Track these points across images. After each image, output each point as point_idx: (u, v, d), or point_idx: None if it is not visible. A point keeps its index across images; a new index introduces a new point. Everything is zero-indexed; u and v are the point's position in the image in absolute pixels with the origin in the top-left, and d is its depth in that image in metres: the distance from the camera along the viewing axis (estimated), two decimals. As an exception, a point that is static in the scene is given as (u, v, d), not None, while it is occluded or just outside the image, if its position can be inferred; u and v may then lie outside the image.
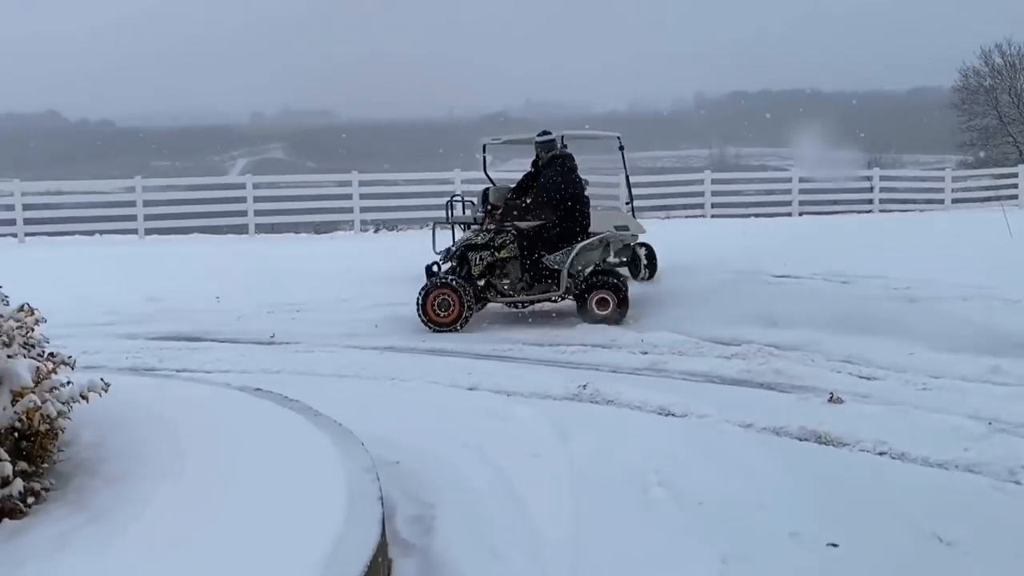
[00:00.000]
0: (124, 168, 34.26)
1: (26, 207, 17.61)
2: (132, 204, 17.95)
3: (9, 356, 3.07)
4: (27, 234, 17.44)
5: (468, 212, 11.08)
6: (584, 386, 5.85)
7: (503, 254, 8.85)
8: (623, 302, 8.47)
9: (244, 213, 18.28)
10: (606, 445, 4.55)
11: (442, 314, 8.36)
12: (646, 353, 7.09)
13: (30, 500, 2.99)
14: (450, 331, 8.32)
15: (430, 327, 8.36)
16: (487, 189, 10.91)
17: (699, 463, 4.27)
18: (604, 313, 8.40)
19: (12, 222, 17.53)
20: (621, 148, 11.75)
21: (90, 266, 12.16)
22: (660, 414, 5.27)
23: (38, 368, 3.19)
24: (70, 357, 3.56)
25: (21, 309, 3.50)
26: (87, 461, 3.48)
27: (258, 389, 4.97)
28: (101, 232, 17.84)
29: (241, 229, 18.46)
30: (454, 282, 8.50)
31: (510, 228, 9.06)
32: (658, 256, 10.92)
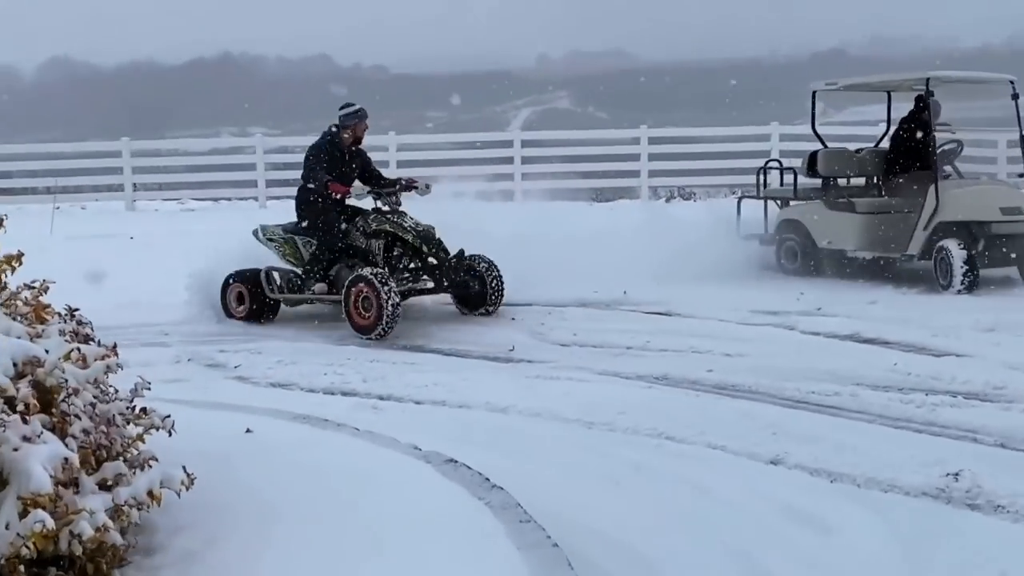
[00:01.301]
0: (397, 120, 30.91)
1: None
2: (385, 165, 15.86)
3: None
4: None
5: (788, 183, 9.42)
6: (957, 475, 3.74)
7: None
8: None
9: (510, 176, 16.79)
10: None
11: None
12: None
13: None
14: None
15: None
16: (815, 153, 9.16)
17: None
18: None
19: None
20: (1015, 95, 8.52)
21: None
22: None
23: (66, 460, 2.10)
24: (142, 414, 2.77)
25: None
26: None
27: (451, 461, 3.89)
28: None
29: (507, 195, 16.50)
30: None
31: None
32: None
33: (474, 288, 7.54)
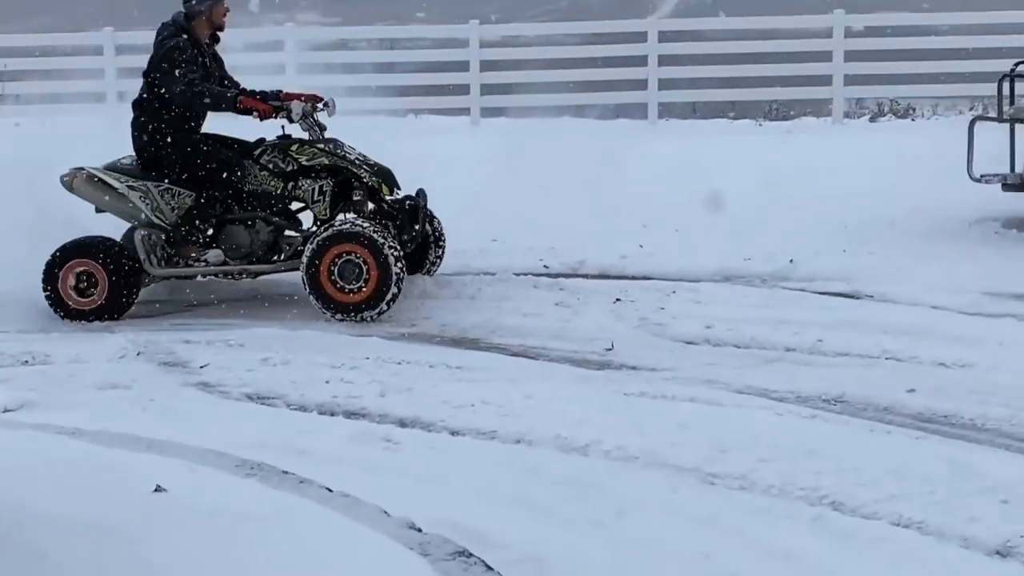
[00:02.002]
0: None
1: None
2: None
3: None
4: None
5: None
6: None
7: None
8: None
9: (640, 81, 13.26)
10: None
11: None
12: None
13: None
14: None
15: None
16: None
17: None
18: None
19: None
20: None
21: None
22: None
23: None
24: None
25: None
26: None
27: (463, 554, 2.71)
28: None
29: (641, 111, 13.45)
30: None
31: None
32: None
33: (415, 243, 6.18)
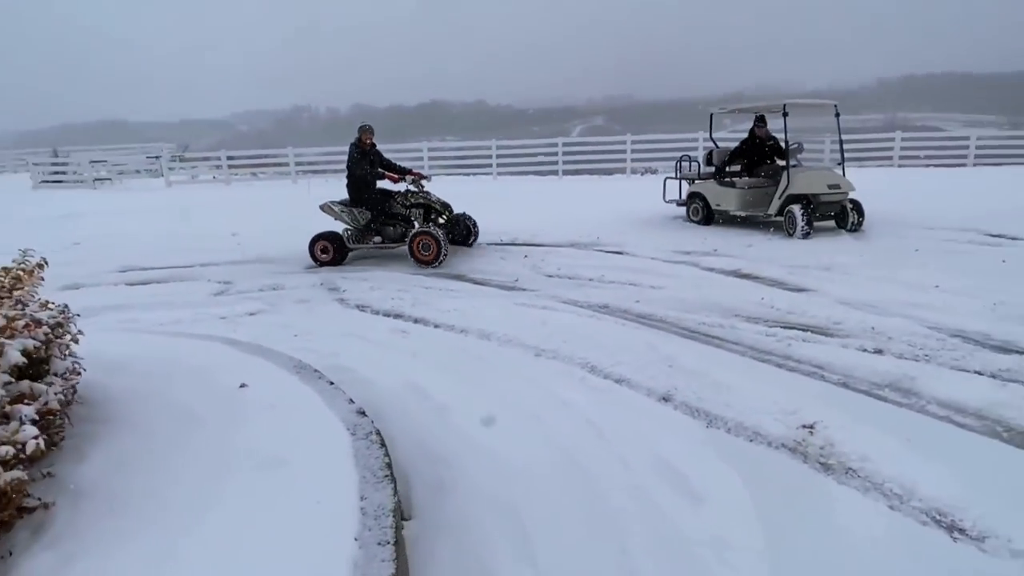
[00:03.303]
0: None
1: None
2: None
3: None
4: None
5: (693, 169, 10.54)
6: (812, 428, 3.31)
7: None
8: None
9: (555, 162, 19.24)
10: None
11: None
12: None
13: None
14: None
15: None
16: (711, 151, 10.23)
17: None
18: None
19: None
20: (837, 115, 9.37)
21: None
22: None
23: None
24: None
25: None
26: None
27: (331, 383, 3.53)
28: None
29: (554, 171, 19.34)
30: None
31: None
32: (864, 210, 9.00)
33: (462, 233, 8.52)
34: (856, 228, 8.86)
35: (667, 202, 10.72)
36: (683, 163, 10.59)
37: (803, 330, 4.83)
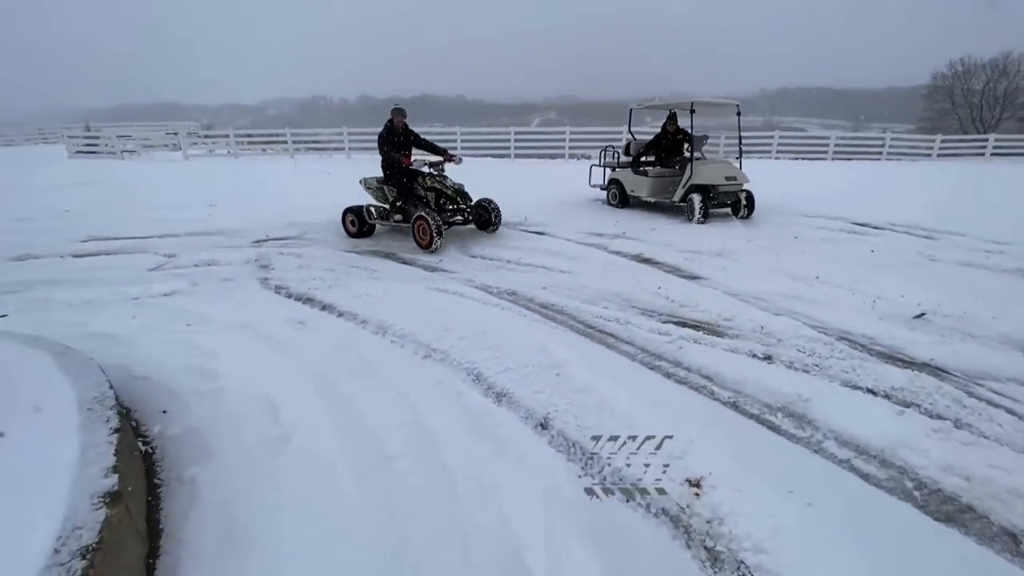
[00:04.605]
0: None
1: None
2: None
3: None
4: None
5: (615, 158, 9.08)
6: (698, 487, 2.06)
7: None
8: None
9: (508, 146, 17.36)
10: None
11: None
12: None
13: None
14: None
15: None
16: (628, 143, 8.87)
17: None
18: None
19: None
20: (738, 114, 8.03)
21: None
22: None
23: None
24: None
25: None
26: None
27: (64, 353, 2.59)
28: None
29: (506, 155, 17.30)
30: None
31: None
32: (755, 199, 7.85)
33: (485, 217, 6.63)
34: (746, 216, 7.62)
35: (592, 186, 9.47)
36: (606, 152, 9.31)
37: (695, 327, 3.67)
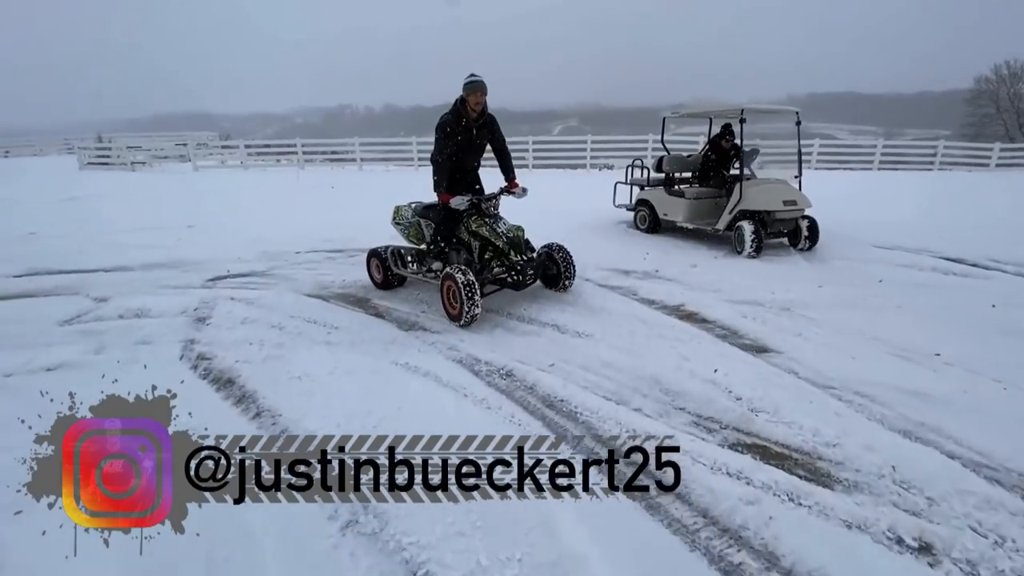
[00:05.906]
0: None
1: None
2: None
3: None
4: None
5: (644, 175, 7.45)
6: None
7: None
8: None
9: (526, 155, 16.25)
10: None
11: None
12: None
13: None
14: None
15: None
16: (661, 157, 7.05)
17: None
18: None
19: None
20: (798, 123, 6.31)
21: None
22: None
23: None
24: None
25: None
26: None
27: None
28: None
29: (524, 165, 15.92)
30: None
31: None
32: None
33: (552, 271, 4.58)
34: (808, 248, 6.06)
35: (616, 207, 7.91)
36: (633, 168, 7.73)
37: (782, 461, 2.35)
